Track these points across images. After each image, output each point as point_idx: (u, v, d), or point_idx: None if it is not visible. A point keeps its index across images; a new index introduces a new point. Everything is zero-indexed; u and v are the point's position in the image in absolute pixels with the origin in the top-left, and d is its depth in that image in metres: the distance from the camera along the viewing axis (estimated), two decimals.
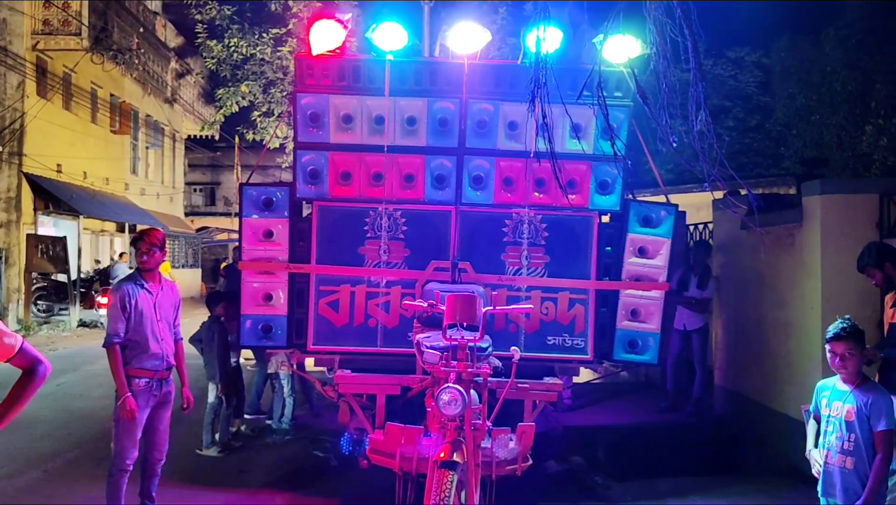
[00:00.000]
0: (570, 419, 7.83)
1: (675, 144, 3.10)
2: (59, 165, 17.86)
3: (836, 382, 3.67)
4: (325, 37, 5.28)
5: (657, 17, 2.95)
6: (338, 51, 5.34)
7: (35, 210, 16.97)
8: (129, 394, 4.40)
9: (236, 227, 6.22)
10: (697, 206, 9.50)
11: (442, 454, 3.82)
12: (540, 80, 3.61)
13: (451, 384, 3.95)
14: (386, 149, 5.40)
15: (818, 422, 3.76)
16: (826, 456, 3.61)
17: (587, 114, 5.23)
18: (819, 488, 3.67)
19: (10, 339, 2.53)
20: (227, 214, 33.63)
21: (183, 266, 27.65)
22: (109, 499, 4.43)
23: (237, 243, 6.53)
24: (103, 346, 4.49)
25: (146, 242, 4.59)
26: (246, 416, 7.47)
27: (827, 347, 3.60)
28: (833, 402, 3.62)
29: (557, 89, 4.36)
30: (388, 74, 5.29)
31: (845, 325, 3.55)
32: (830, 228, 5.93)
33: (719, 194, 7.03)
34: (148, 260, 4.60)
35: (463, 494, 4.06)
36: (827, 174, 9.25)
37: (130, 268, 13.72)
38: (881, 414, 3.47)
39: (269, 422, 7.50)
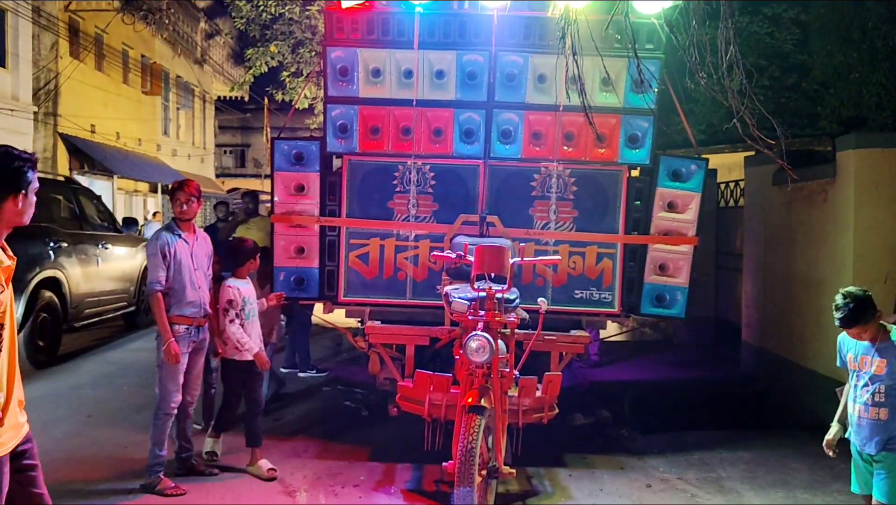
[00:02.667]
0: (597, 375, 7.92)
1: (703, 82, 3.08)
2: (92, 126, 18.12)
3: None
4: None
5: None
6: (367, 4, 5.34)
7: (70, 169, 17.26)
8: (173, 339, 4.56)
9: (267, 189, 6.28)
10: (729, 166, 9.40)
11: (470, 399, 3.91)
12: (570, 28, 3.59)
13: (479, 332, 4.02)
14: (415, 102, 5.42)
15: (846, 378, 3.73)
16: (859, 411, 3.56)
17: (618, 66, 5.20)
18: (855, 443, 3.62)
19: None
20: (258, 176, 33.88)
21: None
22: (155, 442, 4.60)
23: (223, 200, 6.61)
24: (147, 294, 4.64)
25: (185, 192, 4.73)
26: (282, 369, 7.55)
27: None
28: (861, 355, 3.57)
29: (589, 40, 4.34)
30: (416, 27, 5.29)
31: (841, 314, 3.47)
32: (864, 183, 5.86)
33: (751, 152, 6.95)
34: (187, 210, 4.74)
35: (490, 439, 4.16)
36: (861, 132, 9.06)
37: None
38: None
39: (301, 375, 7.69)
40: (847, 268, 5.92)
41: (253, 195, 8.99)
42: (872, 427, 3.51)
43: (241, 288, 5.01)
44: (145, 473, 4.59)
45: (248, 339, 4.96)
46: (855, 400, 3.61)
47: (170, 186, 4.94)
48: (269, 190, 5.72)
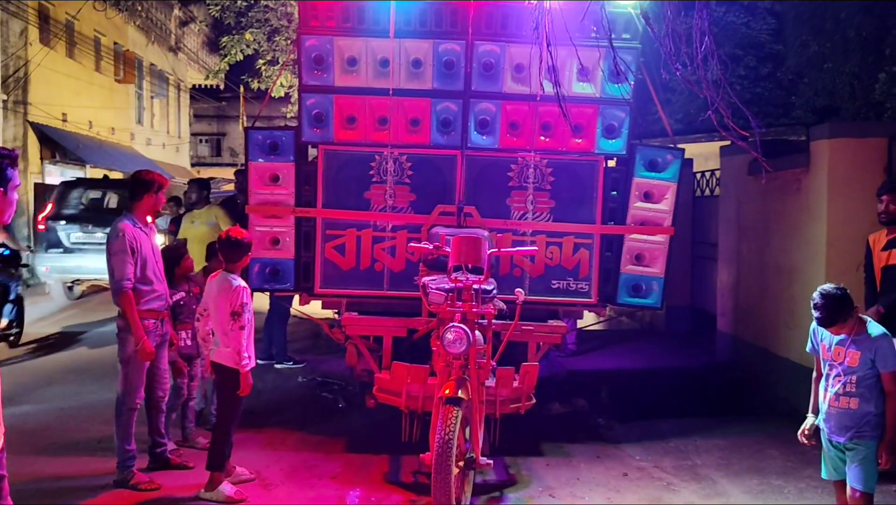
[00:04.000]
0: (574, 364, 7.96)
1: (678, 73, 3.09)
2: (64, 115, 17.80)
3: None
4: None
5: None
6: None
7: (42, 159, 16.95)
8: (146, 336, 4.48)
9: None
10: (706, 155, 9.46)
11: (447, 390, 3.90)
12: (542, 20, 3.57)
13: (456, 323, 4.01)
14: (391, 92, 5.37)
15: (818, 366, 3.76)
16: (829, 399, 3.58)
17: (594, 56, 5.19)
18: (823, 430, 3.64)
19: None
20: (233, 165, 33.49)
21: None
22: (122, 437, 4.52)
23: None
24: (114, 292, 4.47)
25: (164, 191, 4.71)
26: (259, 361, 7.43)
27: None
28: (835, 346, 3.57)
29: (565, 31, 4.32)
30: (392, 15, 5.23)
31: (819, 314, 3.49)
32: (838, 173, 5.91)
33: (727, 142, 6.98)
34: (159, 206, 4.72)
35: (467, 430, 4.16)
36: (835, 122, 9.16)
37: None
38: (888, 355, 3.45)
39: (277, 366, 7.65)
40: (820, 257, 5.98)
41: (199, 184, 7.97)
42: (842, 416, 3.54)
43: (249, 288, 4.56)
44: (118, 468, 4.53)
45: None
46: (826, 389, 3.63)
47: (142, 178, 4.70)
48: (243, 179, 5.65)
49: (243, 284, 4.50)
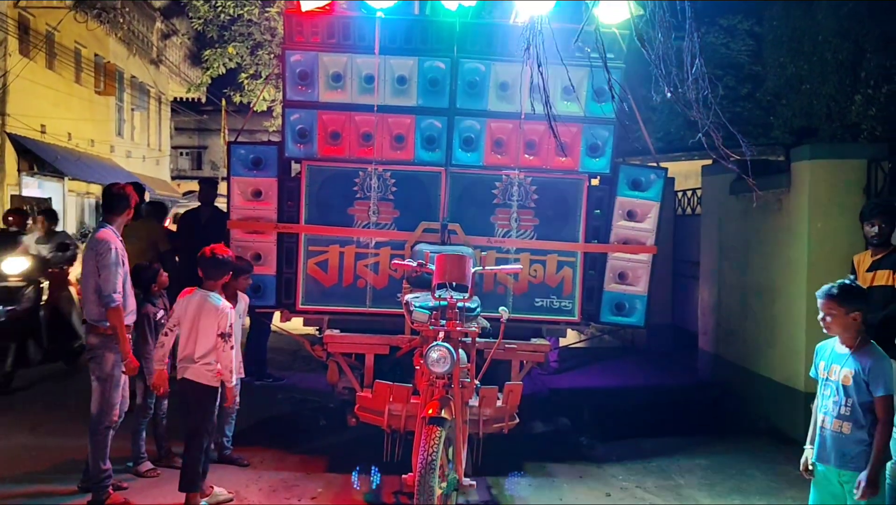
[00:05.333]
0: (557, 382, 7.94)
1: (668, 94, 3.10)
2: (42, 126, 17.60)
3: (835, 345, 3.52)
4: None
5: None
6: (327, 7, 5.27)
7: (19, 171, 16.73)
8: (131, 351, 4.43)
9: (224, 191, 6.12)
10: (686, 174, 9.54)
11: (430, 410, 3.86)
12: (532, 40, 3.58)
13: (439, 342, 3.98)
14: (376, 108, 5.36)
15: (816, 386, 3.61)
16: (822, 421, 3.48)
17: (579, 75, 5.21)
18: (814, 453, 3.51)
19: None
20: (214, 178, 33.36)
21: None
22: (99, 456, 4.41)
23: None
24: (106, 306, 4.33)
25: (135, 198, 4.65)
26: (256, 382, 7.35)
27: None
28: (831, 364, 3.49)
29: (550, 50, 4.32)
30: (378, 32, 5.23)
31: (838, 283, 3.41)
32: (818, 194, 5.98)
33: (709, 161, 7.04)
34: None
35: (450, 450, 4.11)
36: (815, 142, 9.29)
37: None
38: (880, 379, 3.33)
39: (257, 383, 7.54)
40: (801, 277, 6.03)
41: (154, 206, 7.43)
42: (834, 439, 3.43)
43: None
44: (93, 488, 4.41)
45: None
46: (820, 409, 3.53)
47: (123, 191, 4.64)
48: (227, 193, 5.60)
49: (227, 303, 4.47)
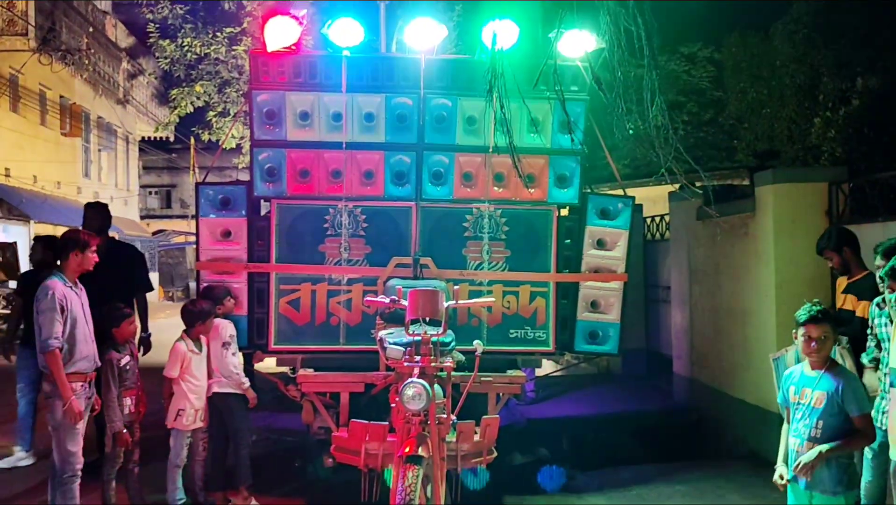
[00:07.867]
0: (534, 412, 7.88)
1: (630, 131, 3.15)
2: (7, 169, 17.38)
3: (804, 368, 3.57)
4: (280, 33, 5.23)
5: (612, 8, 2.99)
6: (293, 47, 5.30)
7: None
8: (74, 397, 4.31)
9: (194, 230, 6.05)
10: (654, 199, 9.66)
11: (407, 449, 3.81)
12: (497, 73, 3.63)
13: (415, 379, 3.95)
14: (344, 145, 5.37)
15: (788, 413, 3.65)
16: (794, 444, 3.52)
17: (544, 108, 5.29)
18: (789, 476, 3.53)
19: None
20: (184, 217, 33.06)
21: None
22: None
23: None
24: (40, 351, 4.31)
25: (92, 248, 4.54)
26: None
27: (801, 330, 3.48)
28: (802, 388, 3.54)
29: (515, 83, 4.39)
30: (344, 70, 5.27)
31: (820, 308, 3.44)
32: (782, 217, 6.09)
33: (675, 186, 7.14)
34: (89, 265, 4.54)
35: (429, 488, 4.06)
36: (778, 166, 9.49)
37: None
38: (854, 399, 3.39)
39: None
40: (770, 298, 6.11)
41: (45, 241, 6.37)
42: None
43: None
44: None
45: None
46: (792, 433, 3.56)
47: (68, 237, 4.56)
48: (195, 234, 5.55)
49: (221, 319, 5.14)
